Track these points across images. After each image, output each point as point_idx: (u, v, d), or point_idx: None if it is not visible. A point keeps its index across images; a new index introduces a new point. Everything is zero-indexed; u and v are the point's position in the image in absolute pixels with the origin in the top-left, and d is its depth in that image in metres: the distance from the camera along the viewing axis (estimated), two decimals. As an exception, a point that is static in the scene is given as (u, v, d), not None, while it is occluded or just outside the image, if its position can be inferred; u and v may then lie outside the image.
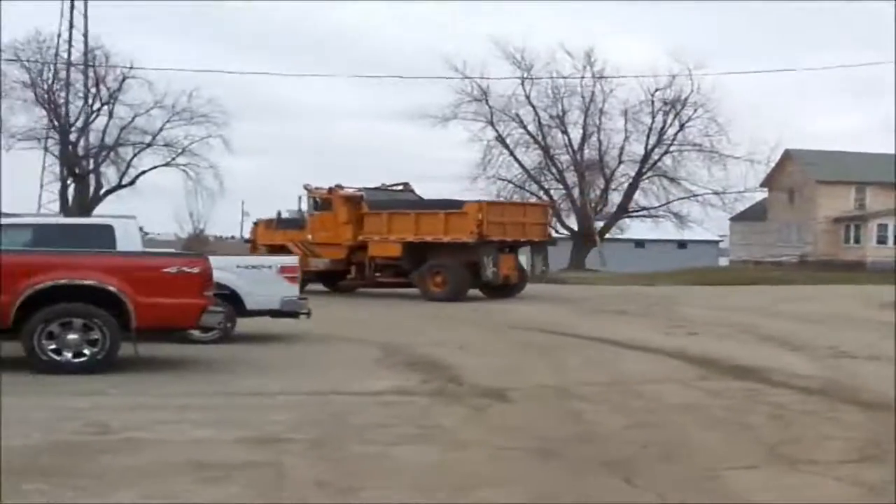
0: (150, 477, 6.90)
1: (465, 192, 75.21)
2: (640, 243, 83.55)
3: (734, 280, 43.82)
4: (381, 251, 30.73)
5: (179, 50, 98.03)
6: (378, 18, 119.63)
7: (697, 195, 64.11)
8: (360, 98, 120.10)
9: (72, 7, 68.49)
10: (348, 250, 31.65)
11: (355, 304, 28.16)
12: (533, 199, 66.11)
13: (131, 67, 67.63)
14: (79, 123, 72.35)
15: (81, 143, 73.78)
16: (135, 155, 74.47)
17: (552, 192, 67.54)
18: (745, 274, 49.89)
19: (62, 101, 71.74)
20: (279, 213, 34.24)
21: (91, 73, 72.29)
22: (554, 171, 66.92)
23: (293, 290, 16.55)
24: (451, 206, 31.56)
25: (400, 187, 35.82)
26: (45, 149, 71.84)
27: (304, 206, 33.88)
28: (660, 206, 66.17)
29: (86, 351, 11.80)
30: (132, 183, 73.08)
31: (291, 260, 17.28)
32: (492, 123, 66.67)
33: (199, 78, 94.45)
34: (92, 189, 72.05)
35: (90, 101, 72.27)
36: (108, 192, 70.60)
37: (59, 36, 69.92)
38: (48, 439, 8.07)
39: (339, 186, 33.77)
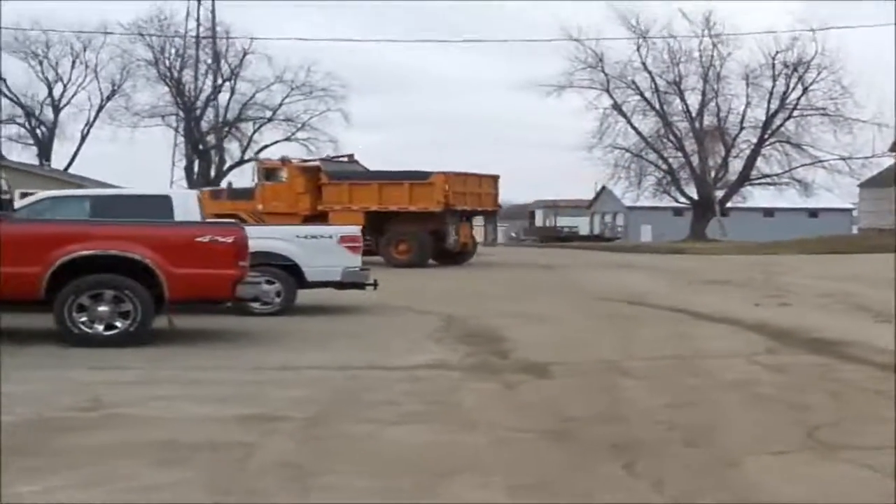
0: (101, 458, 6.38)
1: (584, 161, 74.11)
2: (768, 212, 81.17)
3: (857, 248, 41.81)
4: (343, 220, 30.38)
5: (297, 24, 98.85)
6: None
7: (822, 161, 61.73)
8: (475, 68, 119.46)
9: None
10: (303, 220, 31.75)
11: (438, 275, 27.71)
12: (650, 167, 64.93)
13: (252, 39, 68.64)
14: (201, 101, 73.89)
15: (204, 119, 75.44)
16: (256, 130, 75.74)
17: (671, 160, 65.98)
18: (866, 242, 47.64)
19: (184, 78, 73.21)
20: (230, 184, 36.36)
21: (213, 49, 73.62)
22: (672, 138, 65.26)
23: (355, 260, 16.03)
24: (414, 177, 33.35)
25: (345, 159, 38.10)
26: (176, 127, 73.46)
27: (255, 178, 35.66)
28: (783, 174, 63.97)
29: (118, 323, 11.45)
30: (255, 158, 74.04)
31: (352, 229, 16.71)
32: (608, 91, 65.35)
33: (318, 52, 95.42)
34: (215, 164, 73.40)
35: (213, 77, 73.65)
36: (231, 167, 71.79)
37: (187, 15, 71.15)
38: (29, 415, 7.66)
39: (287, 158, 36.20)
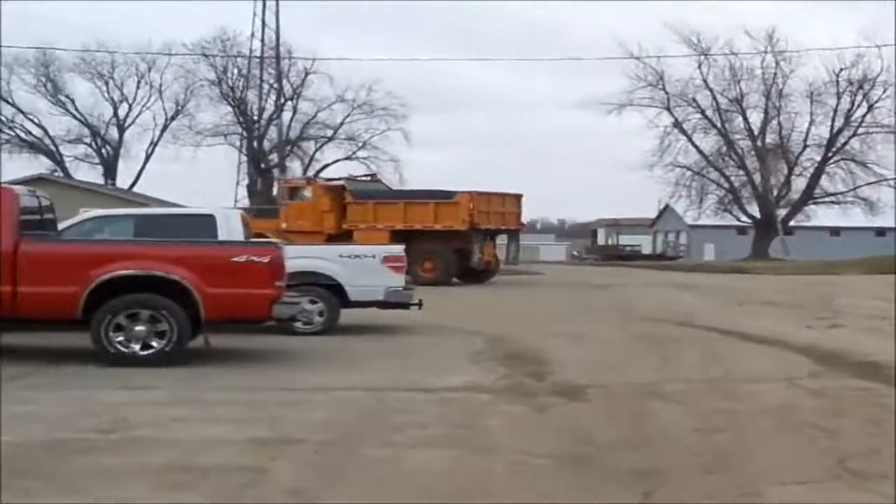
0: (109, 480, 6.35)
1: (646, 179, 73.60)
2: (835, 231, 79.75)
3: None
4: (368, 238, 30.81)
5: (358, 44, 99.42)
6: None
7: (888, 179, 60.65)
8: (535, 86, 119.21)
9: (264, 6, 70.48)
10: (327, 238, 32.27)
11: (488, 294, 27.59)
12: (711, 185, 64.23)
13: (314, 60, 69.09)
14: (263, 119, 74.57)
15: (267, 138, 76.09)
16: (317, 149, 76.24)
17: (732, 178, 65.30)
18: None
19: (248, 97, 73.97)
20: (258, 205, 36.09)
21: (275, 70, 74.30)
22: (734, 156, 64.59)
23: (398, 280, 15.92)
24: (439, 196, 34.11)
25: (369, 178, 39.08)
26: (241, 148, 74.16)
27: (280, 196, 36.79)
28: (847, 192, 62.96)
29: (154, 343, 11.46)
30: (316, 176, 74.55)
31: (396, 249, 16.61)
32: (668, 109, 64.94)
33: (379, 71, 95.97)
34: (278, 183, 73.89)
35: (276, 96, 74.31)
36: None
37: (251, 35, 71.83)
38: (47, 437, 7.65)
39: (312, 178, 37.51)
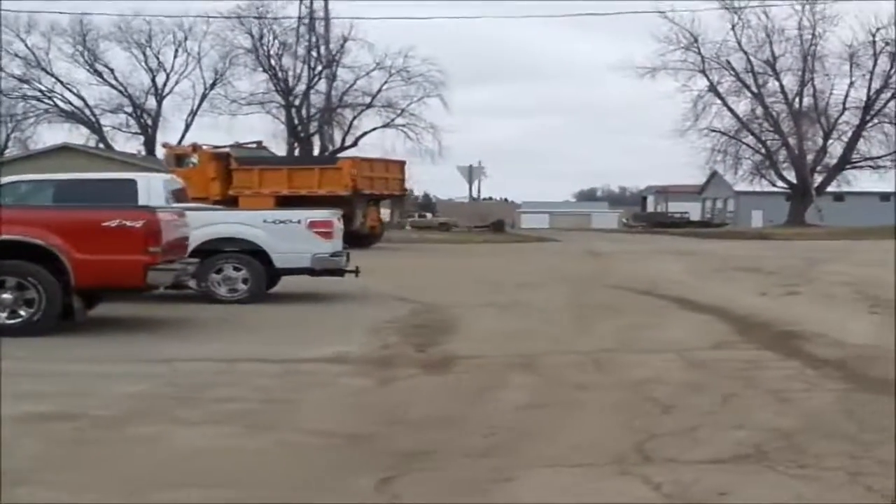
0: None
1: (676, 145, 72.26)
2: (885, 197, 77.90)
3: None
4: (253, 204, 30.77)
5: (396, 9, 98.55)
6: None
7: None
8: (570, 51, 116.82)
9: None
10: (214, 204, 31.79)
11: (476, 261, 27.02)
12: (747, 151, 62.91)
13: (354, 18, 68.42)
14: (301, 86, 74.18)
15: (304, 106, 75.70)
16: (355, 116, 75.74)
17: (768, 142, 63.89)
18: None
19: (285, 64, 73.57)
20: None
21: (313, 37, 73.83)
22: (769, 120, 63.14)
23: (326, 246, 15.29)
24: (323, 162, 36.55)
25: (254, 145, 39.47)
26: (276, 115, 73.80)
27: (166, 164, 36.69)
28: (886, 156, 61.27)
29: (22, 312, 11.01)
30: (354, 144, 74.24)
31: (323, 214, 15.99)
32: (703, 72, 63.66)
33: (415, 36, 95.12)
34: (317, 151, 73.60)
35: (312, 64, 73.86)
36: (333, 153, 71.90)
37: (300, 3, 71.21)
38: None
39: (198, 145, 37.38)
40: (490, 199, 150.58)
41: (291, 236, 15.06)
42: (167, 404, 7.64)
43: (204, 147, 37.51)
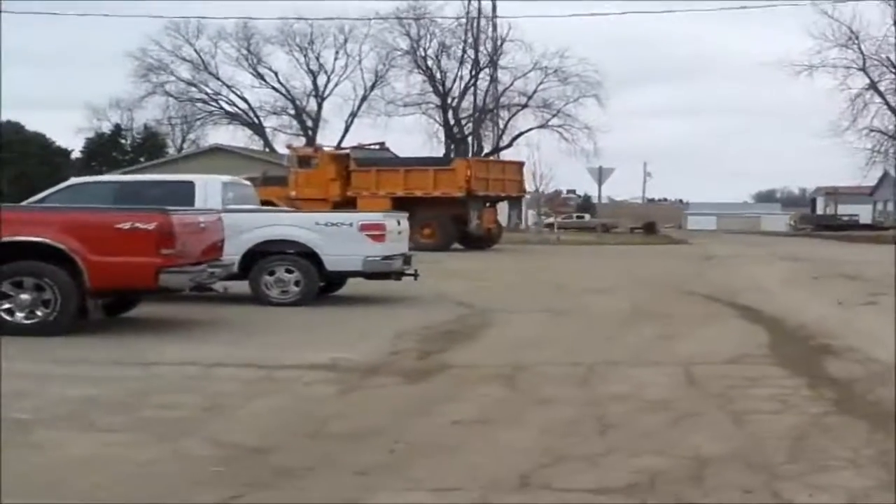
0: None
1: (834, 146, 69.85)
2: None
3: None
4: (370, 205, 30.47)
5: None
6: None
7: None
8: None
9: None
10: (333, 206, 32.10)
11: (576, 262, 26.58)
12: None
13: (512, 18, 68.28)
14: (459, 88, 74.57)
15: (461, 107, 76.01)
16: (511, 116, 75.72)
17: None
18: None
19: (445, 65, 74.03)
20: (264, 172, 36.54)
21: (470, 39, 74.09)
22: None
23: (376, 249, 15.09)
24: (438, 163, 35.44)
25: (377, 146, 39.05)
26: (434, 116, 74.24)
27: (289, 164, 36.40)
28: None
29: (38, 312, 11.20)
30: (509, 145, 74.30)
31: (374, 216, 15.79)
32: (864, 69, 61.28)
33: (572, 38, 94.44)
34: (472, 151, 73.89)
35: (470, 65, 74.16)
36: (488, 154, 72.03)
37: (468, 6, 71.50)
38: None
39: (320, 146, 38.13)
40: (665, 200, 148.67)
41: (343, 239, 14.95)
42: (97, 410, 7.57)
43: (325, 148, 38.09)
